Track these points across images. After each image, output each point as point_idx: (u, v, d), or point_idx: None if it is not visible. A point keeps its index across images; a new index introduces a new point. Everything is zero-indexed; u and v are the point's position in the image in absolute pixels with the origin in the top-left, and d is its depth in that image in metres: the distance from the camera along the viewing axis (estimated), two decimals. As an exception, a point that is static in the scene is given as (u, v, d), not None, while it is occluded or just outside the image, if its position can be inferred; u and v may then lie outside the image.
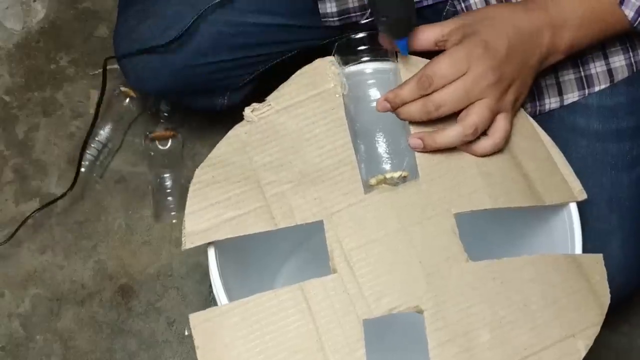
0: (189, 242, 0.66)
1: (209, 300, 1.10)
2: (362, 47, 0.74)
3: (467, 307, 0.63)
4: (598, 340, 0.65)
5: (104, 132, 1.22)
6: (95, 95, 1.29)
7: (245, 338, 0.62)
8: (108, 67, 1.31)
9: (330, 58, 0.73)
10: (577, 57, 0.83)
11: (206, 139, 1.25)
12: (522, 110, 0.75)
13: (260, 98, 0.72)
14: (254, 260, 0.92)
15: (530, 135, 0.73)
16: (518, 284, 0.65)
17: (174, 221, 1.18)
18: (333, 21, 0.92)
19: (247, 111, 0.70)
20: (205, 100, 1.07)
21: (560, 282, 0.66)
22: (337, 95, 0.70)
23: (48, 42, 1.35)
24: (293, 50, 1.01)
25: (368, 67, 0.75)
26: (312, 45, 0.99)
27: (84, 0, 1.39)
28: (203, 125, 1.27)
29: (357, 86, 0.73)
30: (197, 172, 0.67)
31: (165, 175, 1.19)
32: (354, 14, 0.90)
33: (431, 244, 0.66)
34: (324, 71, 0.71)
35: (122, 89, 1.23)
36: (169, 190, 1.18)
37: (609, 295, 0.66)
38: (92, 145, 1.21)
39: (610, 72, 0.85)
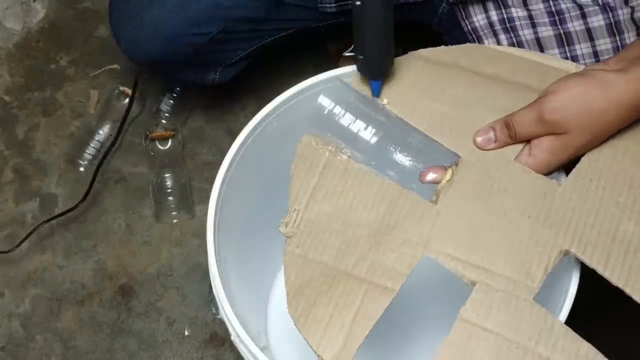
0: None
1: (209, 300, 1.10)
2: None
3: (594, 218, 0.63)
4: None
5: (103, 132, 1.22)
6: (95, 95, 1.29)
7: None
8: (107, 67, 1.31)
9: (310, 137, 0.70)
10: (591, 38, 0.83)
11: (206, 139, 1.25)
12: None
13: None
14: (254, 261, 0.92)
15: None
16: (612, 168, 0.65)
17: (174, 221, 1.18)
18: (330, 7, 0.92)
19: (282, 229, 0.67)
20: (196, 74, 1.05)
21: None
22: (338, 157, 0.69)
23: (48, 42, 1.35)
24: (288, 29, 1.01)
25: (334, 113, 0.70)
26: (307, 26, 0.99)
27: (84, 0, 1.39)
28: (203, 125, 1.27)
29: (342, 134, 0.70)
30: (289, 310, 0.63)
31: (166, 175, 1.19)
32: (350, 1, 0.91)
33: (522, 195, 0.65)
34: (312, 149, 0.70)
35: (122, 88, 1.23)
36: (169, 190, 1.18)
37: None
38: (91, 145, 1.21)
39: None
